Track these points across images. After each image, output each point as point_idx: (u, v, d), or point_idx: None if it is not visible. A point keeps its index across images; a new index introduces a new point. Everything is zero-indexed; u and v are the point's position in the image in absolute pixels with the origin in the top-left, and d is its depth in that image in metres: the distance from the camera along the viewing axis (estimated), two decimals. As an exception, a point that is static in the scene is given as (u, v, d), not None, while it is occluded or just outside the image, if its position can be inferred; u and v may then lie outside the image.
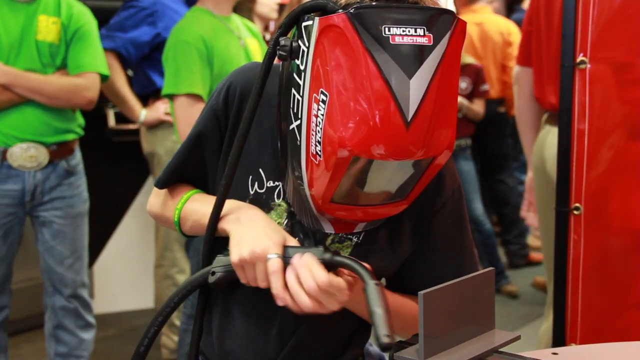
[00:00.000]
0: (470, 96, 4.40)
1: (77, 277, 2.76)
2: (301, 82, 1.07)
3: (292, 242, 1.17)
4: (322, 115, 1.03)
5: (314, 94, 1.04)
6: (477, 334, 1.13)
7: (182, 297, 1.23)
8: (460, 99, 4.31)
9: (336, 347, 1.31)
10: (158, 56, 2.94)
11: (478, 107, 4.43)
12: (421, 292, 1.02)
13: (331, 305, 1.11)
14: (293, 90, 1.10)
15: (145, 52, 3.13)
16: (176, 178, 1.32)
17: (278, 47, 1.10)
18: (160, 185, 1.32)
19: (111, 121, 3.70)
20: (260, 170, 1.25)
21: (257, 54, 2.79)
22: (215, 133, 1.27)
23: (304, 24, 1.07)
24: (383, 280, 1.29)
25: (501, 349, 1.13)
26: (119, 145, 3.80)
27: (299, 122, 1.08)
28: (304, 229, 1.24)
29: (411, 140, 1.01)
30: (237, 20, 2.85)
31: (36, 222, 2.72)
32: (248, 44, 2.76)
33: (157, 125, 3.12)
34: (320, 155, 1.05)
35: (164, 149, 3.10)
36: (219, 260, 1.20)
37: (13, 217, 2.64)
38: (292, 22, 1.10)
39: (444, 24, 1.01)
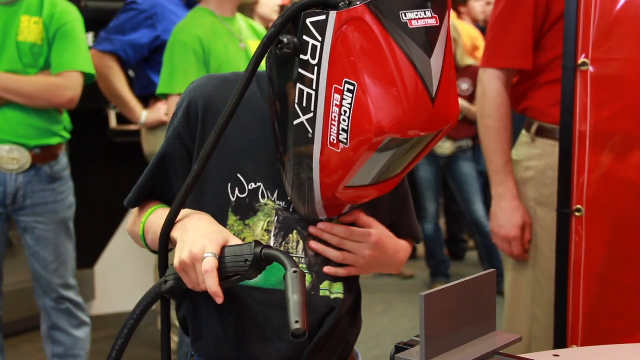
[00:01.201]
0: (471, 98, 4.40)
1: (62, 280, 2.73)
2: (313, 76, 1.10)
3: (235, 241, 1.18)
4: (349, 104, 1.07)
5: (335, 85, 1.08)
6: (479, 336, 1.13)
7: (144, 309, 1.22)
8: (461, 101, 4.31)
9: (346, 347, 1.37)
10: (158, 58, 2.94)
11: (479, 108, 4.42)
12: (422, 294, 1.02)
13: (362, 251, 1.27)
14: (299, 86, 1.11)
15: (145, 54, 3.13)
16: (144, 197, 1.35)
17: (281, 45, 1.11)
18: (130, 204, 1.36)
19: (112, 122, 3.70)
20: (239, 175, 1.28)
21: (259, 55, 2.79)
22: (180, 152, 1.30)
23: (310, 20, 1.09)
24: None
25: (503, 351, 1.13)
26: (120, 145, 3.81)
27: (311, 115, 1.11)
28: (295, 222, 1.26)
29: (437, 114, 1.09)
30: (241, 21, 2.85)
31: (19, 227, 2.69)
32: (250, 46, 2.76)
33: (157, 127, 3.12)
34: (345, 143, 1.09)
35: (165, 150, 3.10)
36: (171, 269, 1.21)
37: None
38: (288, 20, 1.12)
39: (443, 3, 1.09)
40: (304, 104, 1.12)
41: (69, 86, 2.62)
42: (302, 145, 1.14)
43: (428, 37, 1.06)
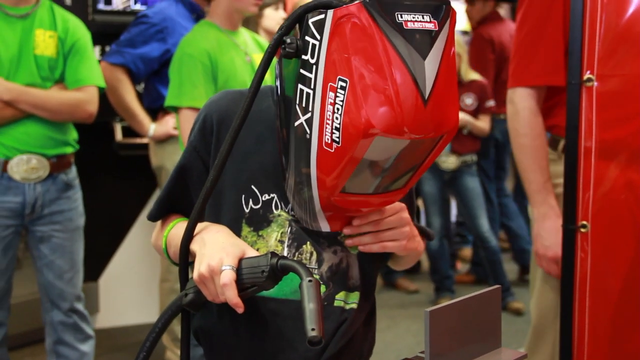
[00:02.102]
0: (475, 112, 4.41)
1: (74, 290, 2.76)
2: (312, 75, 1.11)
3: (252, 253, 1.19)
4: (342, 101, 1.07)
5: (330, 83, 1.09)
6: (484, 352, 1.13)
7: (165, 322, 1.24)
8: (465, 116, 4.31)
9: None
10: (167, 71, 2.96)
11: (483, 123, 4.43)
12: (427, 310, 1.02)
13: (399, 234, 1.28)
14: (300, 86, 1.13)
15: (155, 67, 3.15)
16: (165, 210, 1.38)
17: (285, 45, 1.14)
18: (151, 217, 1.38)
19: (118, 135, 3.71)
20: (253, 186, 1.29)
21: (265, 68, 2.80)
22: (197, 165, 1.32)
23: (312, 19, 1.11)
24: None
25: (507, 368, 1.13)
26: (125, 159, 3.82)
27: (309, 114, 1.12)
28: (308, 232, 1.27)
29: (429, 117, 1.08)
30: (245, 35, 2.86)
31: (33, 238, 2.70)
32: (255, 60, 2.77)
33: (166, 140, 3.13)
34: (337, 142, 1.09)
35: (172, 163, 3.11)
36: (190, 281, 1.23)
37: (12, 230, 2.64)
38: (294, 22, 1.14)
39: (445, 13, 1.10)
40: (304, 104, 1.13)
41: (89, 101, 2.69)
42: (301, 147, 1.15)
43: (423, 40, 1.07)
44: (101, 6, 3.78)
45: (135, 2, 3.84)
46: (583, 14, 1.78)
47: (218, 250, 1.17)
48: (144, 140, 3.39)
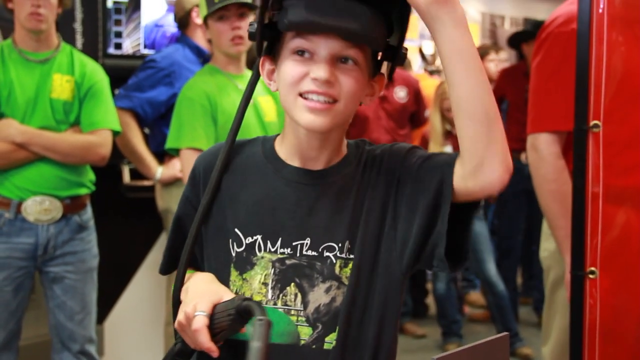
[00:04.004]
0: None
1: (86, 332, 2.75)
2: None
3: (229, 297, 1.20)
4: None
5: None
6: (492, 401, 1.11)
7: None
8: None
9: None
10: (173, 115, 2.99)
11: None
12: (434, 357, 1.01)
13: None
14: None
15: (162, 111, 3.18)
16: (173, 262, 1.39)
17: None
18: (162, 271, 1.41)
19: (126, 177, 3.73)
20: (237, 230, 1.30)
21: (270, 111, 2.82)
22: (191, 215, 1.34)
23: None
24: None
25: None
26: (132, 201, 3.82)
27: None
28: (293, 274, 1.27)
29: None
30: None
31: (45, 278, 2.71)
32: (260, 102, 2.79)
33: (172, 183, 3.15)
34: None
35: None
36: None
37: (25, 271, 2.65)
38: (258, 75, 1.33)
39: None
40: None
41: (102, 144, 2.72)
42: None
43: None
44: (111, 50, 3.83)
45: (145, 47, 3.89)
46: (589, 60, 1.79)
47: (194, 297, 1.21)
48: (151, 183, 3.40)
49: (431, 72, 5.76)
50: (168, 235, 1.41)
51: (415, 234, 1.25)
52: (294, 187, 1.29)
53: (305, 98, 1.22)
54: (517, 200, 4.76)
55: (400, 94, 4.29)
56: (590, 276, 1.79)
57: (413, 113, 4.38)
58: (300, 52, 1.22)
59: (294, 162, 1.31)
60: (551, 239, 2.16)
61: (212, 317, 1.18)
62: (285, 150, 1.32)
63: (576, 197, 1.82)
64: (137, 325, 4.00)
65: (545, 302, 2.19)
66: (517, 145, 4.58)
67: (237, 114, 1.30)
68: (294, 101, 1.23)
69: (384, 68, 1.34)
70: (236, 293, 1.27)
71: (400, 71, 4.42)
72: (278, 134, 1.36)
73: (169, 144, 2.72)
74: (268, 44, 1.29)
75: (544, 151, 2.07)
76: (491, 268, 4.40)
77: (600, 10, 1.77)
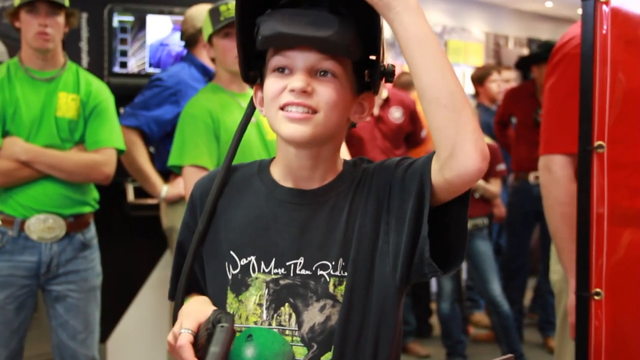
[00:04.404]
0: (486, 176, 4.41)
1: (88, 352, 2.74)
2: None
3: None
4: None
5: None
6: None
7: None
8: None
9: None
10: (178, 134, 2.99)
11: (494, 187, 4.43)
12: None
13: None
14: None
15: (168, 130, 3.19)
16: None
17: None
18: (170, 297, 1.42)
19: (130, 196, 3.73)
20: (232, 252, 1.31)
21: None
22: (191, 240, 1.36)
23: None
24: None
25: None
26: (136, 219, 3.82)
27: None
28: (287, 294, 1.27)
29: None
30: None
31: (48, 297, 2.71)
32: (262, 121, 2.80)
33: (177, 201, 3.15)
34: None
35: (183, 224, 3.12)
36: None
37: (27, 289, 2.64)
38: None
39: None
40: None
41: (106, 162, 2.72)
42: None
43: None
44: (116, 69, 3.85)
45: (150, 65, 3.91)
46: (592, 80, 1.79)
47: (182, 318, 1.24)
48: (155, 201, 3.40)
49: None
50: (173, 262, 1.44)
51: (405, 243, 1.24)
52: (286, 207, 1.31)
53: (285, 110, 1.25)
54: (525, 220, 4.74)
55: (395, 114, 4.29)
56: (596, 297, 1.78)
57: (409, 133, 4.38)
58: (280, 70, 1.25)
59: (287, 183, 1.32)
60: None
61: (196, 334, 1.21)
62: (278, 172, 1.34)
63: (581, 217, 1.81)
64: (140, 344, 3.99)
65: (558, 326, 2.17)
66: (527, 165, 4.58)
67: (233, 142, 1.33)
68: (275, 115, 1.26)
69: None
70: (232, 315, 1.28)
71: (396, 91, 4.41)
72: (274, 157, 1.38)
73: (172, 161, 2.73)
74: (259, 73, 1.32)
75: (558, 173, 2.05)
76: (496, 288, 4.38)
77: (604, 31, 1.77)
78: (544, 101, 2.19)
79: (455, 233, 1.25)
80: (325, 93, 1.24)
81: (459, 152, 1.14)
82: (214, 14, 2.75)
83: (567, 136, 2.06)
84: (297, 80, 1.22)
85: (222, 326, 1.14)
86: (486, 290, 4.42)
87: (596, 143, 1.79)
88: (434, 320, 5.12)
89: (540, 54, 4.74)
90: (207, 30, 2.79)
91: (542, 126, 2.15)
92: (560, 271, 2.19)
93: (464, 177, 1.17)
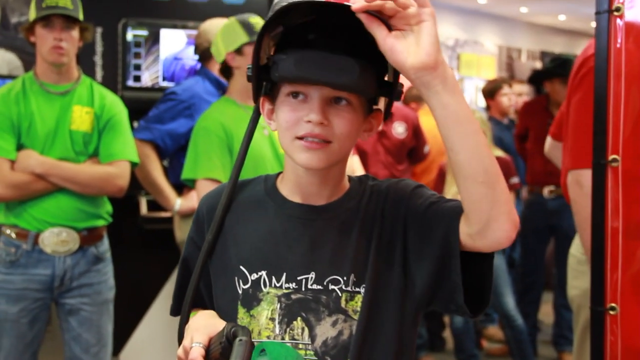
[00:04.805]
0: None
1: None
2: None
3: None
4: None
5: None
6: None
7: None
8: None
9: None
10: (192, 147, 3.00)
11: (508, 200, 4.40)
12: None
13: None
14: None
15: (182, 143, 3.21)
16: (182, 303, 1.39)
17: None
18: (172, 313, 1.43)
19: (143, 209, 3.74)
20: (241, 267, 1.31)
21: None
22: (197, 255, 1.36)
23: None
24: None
25: None
26: (149, 232, 3.83)
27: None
28: (299, 308, 1.27)
29: None
30: None
31: (62, 310, 2.71)
32: (275, 135, 2.81)
33: (190, 214, 3.15)
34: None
35: (196, 237, 3.12)
36: None
37: (41, 303, 2.65)
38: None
39: None
40: None
41: (120, 175, 2.74)
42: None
43: None
44: (130, 83, 3.87)
45: (164, 79, 3.93)
46: (607, 94, 1.79)
47: (192, 332, 1.25)
48: (168, 215, 3.41)
49: None
50: (176, 278, 1.43)
51: (427, 281, 1.25)
52: (295, 222, 1.31)
53: (301, 139, 1.25)
54: (540, 235, 4.71)
55: (399, 129, 4.29)
56: (611, 312, 1.77)
57: (412, 148, 4.36)
58: (294, 95, 1.25)
59: (296, 199, 1.33)
60: (580, 277, 2.13)
61: (207, 348, 1.21)
62: (286, 188, 1.34)
63: (595, 232, 1.80)
64: (153, 357, 3.98)
65: (576, 342, 2.15)
66: (541, 178, 4.56)
67: (239, 157, 1.33)
68: (290, 143, 1.26)
69: (382, 103, 1.34)
70: None
71: (399, 106, 4.40)
72: (280, 172, 1.38)
73: (185, 174, 2.74)
74: (267, 85, 1.31)
75: (590, 188, 2.04)
76: (509, 302, 4.35)
77: (618, 45, 1.76)
78: (570, 115, 2.17)
79: (482, 276, 1.27)
80: (340, 125, 1.24)
81: (493, 225, 1.16)
82: (247, 26, 2.75)
83: None
84: (314, 114, 1.23)
85: (240, 340, 1.14)
86: (500, 304, 4.39)
87: (611, 157, 1.78)
88: (447, 333, 5.09)
89: (552, 69, 4.75)
90: (240, 40, 2.76)
91: (569, 141, 2.13)
92: (579, 287, 2.17)
93: (494, 247, 1.20)
